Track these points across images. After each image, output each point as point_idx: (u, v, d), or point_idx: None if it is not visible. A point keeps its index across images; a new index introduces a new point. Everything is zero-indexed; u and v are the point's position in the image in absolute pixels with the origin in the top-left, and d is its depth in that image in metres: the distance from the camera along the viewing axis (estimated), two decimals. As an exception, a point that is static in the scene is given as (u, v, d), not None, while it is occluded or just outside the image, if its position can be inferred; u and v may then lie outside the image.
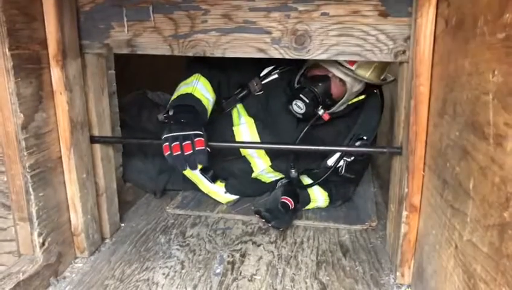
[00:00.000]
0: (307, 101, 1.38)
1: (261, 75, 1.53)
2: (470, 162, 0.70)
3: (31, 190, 1.04)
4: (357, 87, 1.41)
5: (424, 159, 1.02)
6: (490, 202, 0.61)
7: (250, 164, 1.59)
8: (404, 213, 1.07)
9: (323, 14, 1.07)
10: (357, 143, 1.44)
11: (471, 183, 0.69)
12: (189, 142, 1.14)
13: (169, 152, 1.14)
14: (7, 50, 0.95)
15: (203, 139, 1.15)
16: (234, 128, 1.55)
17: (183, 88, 1.33)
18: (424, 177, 1.02)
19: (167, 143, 1.14)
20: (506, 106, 0.57)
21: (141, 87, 1.81)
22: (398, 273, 1.11)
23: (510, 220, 0.55)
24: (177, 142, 1.14)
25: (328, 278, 1.15)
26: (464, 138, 0.73)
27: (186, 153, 1.13)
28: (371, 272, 1.18)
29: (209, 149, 1.17)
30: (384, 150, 1.20)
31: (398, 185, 1.16)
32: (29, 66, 1.01)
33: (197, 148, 1.13)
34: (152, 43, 1.16)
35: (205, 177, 1.59)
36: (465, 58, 0.74)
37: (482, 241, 0.64)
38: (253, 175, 1.59)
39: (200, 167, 1.16)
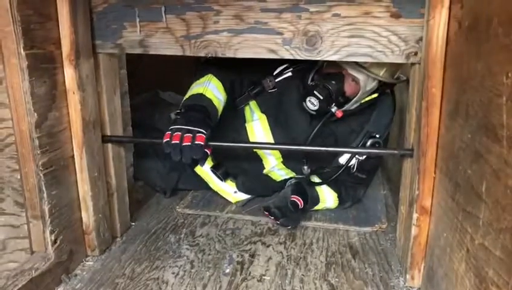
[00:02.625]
0: (321, 97, 1.38)
1: (275, 73, 1.53)
2: (483, 165, 0.69)
3: (43, 188, 1.05)
4: (371, 85, 1.41)
5: (436, 161, 1.01)
6: (503, 205, 0.61)
7: (261, 160, 1.59)
8: (415, 215, 1.06)
9: (335, 15, 1.07)
10: (370, 141, 1.44)
11: (484, 186, 0.69)
12: (190, 135, 1.16)
13: (168, 139, 1.16)
14: (22, 50, 0.96)
15: (204, 136, 1.17)
16: (247, 124, 1.55)
17: (195, 88, 1.35)
18: (435, 180, 1.01)
19: (169, 132, 1.16)
20: (520, 108, 0.56)
21: (152, 87, 1.83)
22: (408, 276, 1.11)
23: (523, 224, 0.55)
24: (179, 133, 1.16)
25: (337, 279, 1.15)
26: (477, 140, 0.73)
27: (184, 144, 1.14)
28: (381, 274, 1.18)
29: (208, 151, 1.18)
30: (396, 151, 1.20)
31: (408, 187, 1.15)
32: (43, 65, 1.03)
33: (195, 142, 1.15)
34: (164, 44, 1.16)
35: (216, 174, 1.60)
36: (478, 60, 0.74)
37: (494, 245, 0.64)
38: (265, 171, 1.60)
39: (205, 162, 1.18)
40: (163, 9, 1.13)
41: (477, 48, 0.75)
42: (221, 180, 1.61)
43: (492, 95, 0.66)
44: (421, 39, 1.04)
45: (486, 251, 0.66)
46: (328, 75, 1.41)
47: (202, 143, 1.15)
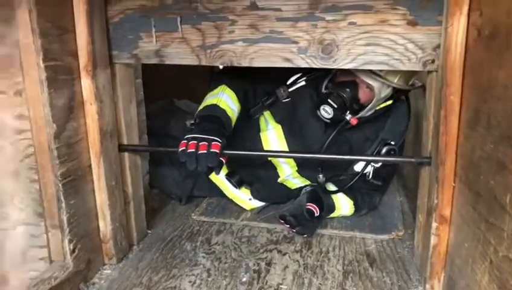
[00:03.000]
0: (335, 106, 1.38)
1: (288, 82, 1.53)
2: (507, 176, 0.68)
3: (62, 197, 1.06)
4: (385, 92, 1.40)
5: (455, 170, 1.00)
6: (529, 218, 0.60)
7: (276, 169, 1.59)
8: (434, 225, 1.05)
9: (351, 23, 1.06)
10: (385, 148, 1.43)
11: (508, 197, 0.68)
12: (206, 143, 1.17)
13: (183, 148, 1.16)
14: (41, 62, 0.98)
15: (219, 144, 1.17)
16: (261, 134, 1.56)
17: (209, 99, 1.35)
18: (455, 189, 1.00)
19: (185, 141, 1.17)
20: (547, 120, 0.56)
21: (168, 95, 1.84)
22: (427, 286, 1.09)
23: (551, 238, 0.54)
24: (195, 141, 1.17)
25: (355, 288, 1.14)
26: (500, 151, 0.72)
27: (199, 152, 1.15)
28: (399, 284, 1.16)
29: (223, 159, 1.19)
30: (413, 159, 1.18)
31: (426, 196, 1.14)
32: (62, 77, 1.04)
33: (211, 150, 1.15)
34: (180, 54, 1.17)
35: (230, 182, 1.60)
36: (499, 69, 0.73)
37: (520, 258, 0.63)
38: (279, 180, 1.59)
39: (221, 170, 1.19)
40: (178, 19, 1.14)
41: (499, 56, 0.74)
42: (236, 188, 1.61)
43: (516, 105, 0.65)
44: (438, 47, 1.03)
45: (511, 263, 0.65)
46: (342, 83, 1.40)
47: (218, 151, 1.16)
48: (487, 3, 0.82)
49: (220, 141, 1.18)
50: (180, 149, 1.17)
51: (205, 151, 1.15)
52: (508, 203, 0.68)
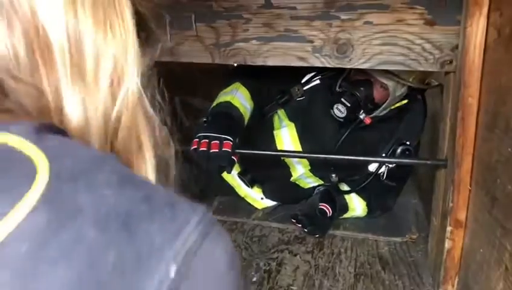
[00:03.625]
0: (348, 105, 1.36)
1: (303, 81, 1.52)
2: (525, 181, 0.67)
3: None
4: (400, 91, 1.38)
5: (471, 173, 0.98)
6: (547, 225, 0.58)
7: (289, 168, 1.58)
8: (449, 228, 1.03)
9: (367, 22, 1.05)
10: (400, 148, 1.41)
11: (526, 203, 0.66)
12: (217, 142, 1.17)
13: (196, 147, 1.17)
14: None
15: (231, 143, 1.17)
16: (275, 132, 1.55)
17: (222, 96, 1.35)
18: (471, 192, 0.98)
19: (197, 139, 1.18)
20: None
21: (181, 93, 1.84)
22: (440, 290, 1.08)
23: None
24: (206, 140, 1.17)
25: (366, 291, 1.13)
26: (518, 155, 0.70)
27: (211, 151, 1.15)
28: (412, 287, 1.15)
29: (235, 158, 1.19)
30: (428, 161, 1.17)
31: (442, 199, 1.12)
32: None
33: (223, 149, 1.16)
34: (194, 52, 1.17)
35: (243, 180, 1.60)
36: (520, 71, 0.71)
37: (537, 266, 0.61)
38: (292, 179, 1.59)
39: (232, 169, 1.21)
40: (193, 17, 1.14)
41: (519, 58, 0.72)
42: (248, 187, 1.60)
43: (536, 109, 0.63)
44: (456, 47, 1.01)
45: (528, 271, 0.64)
46: (356, 81, 1.39)
47: (229, 150, 1.16)
48: (508, 3, 0.79)
49: (232, 139, 1.18)
50: (192, 148, 1.17)
51: (217, 150, 1.15)
52: (525, 209, 0.66)
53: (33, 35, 0.30)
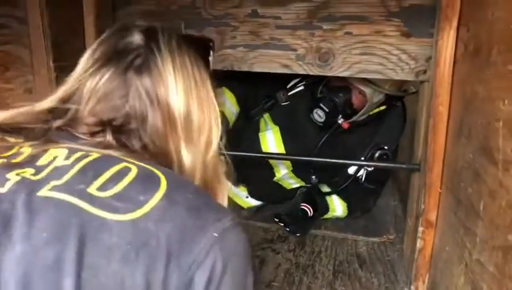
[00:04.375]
0: (327, 110, 1.43)
1: (288, 86, 1.58)
2: (481, 185, 0.73)
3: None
4: (378, 98, 1.45)
5: (442, 177, 1.04)
6: (497, 224, 0.64)
7: (272, 168, 1.64)
8: (421, 229, 1.09)
9: (347, 33, 1.11)
10: (378, 152, 1.47)
11: (482, 204, 0.72)
12: None
13: None
14: (51, 62, 1.03)
15: None
16: (260, 134, 1.61)
17: None
18: (441, 195, 1.04)
19: None
20: (514, 134, 0.60)
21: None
22: (412, 287, 1.14)
23: (514, 243, 0.58)
24: None
25: (343, 288, 1.19)
26: (477, 160, 0.76)
27: None
28: (386, 285, 1.21)
29: None
30: (403, 165, 1.23)
31: (415, 201, 1.18)
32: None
33: None
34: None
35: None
36: (480, 84, 0.77)
37: (489, 261, 0.67)
38: (275, 179, 1.65)
39: None
40: (182, 24, 1.19)
41: (480, 72, 0.78)
42: (234, 185, 1.65)
43: (491, 119, 0.70)
44: (430, 58, 1.07)
45: (481, 266, 0.70)
46: (336, 88, 1.45)
47: None
48: (474, 20, 0.86)
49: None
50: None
51: None
52: (481, 209, 0.72)
53: (166, 115, 0.55)
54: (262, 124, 1.64)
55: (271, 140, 1.58)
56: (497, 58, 0.69)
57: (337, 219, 1.59)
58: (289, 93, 1.56)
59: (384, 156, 1.45)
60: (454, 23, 0.96)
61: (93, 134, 0.53)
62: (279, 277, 1.23)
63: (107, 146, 0.51)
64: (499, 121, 0.66)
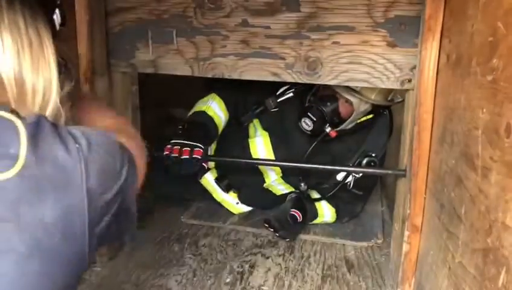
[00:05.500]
0: (314, 119, 1.46)
1: (278, 93, 1.61)
2: (462, 190, 0.76)
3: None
4: (364, 107, 1.48)
5: (426, 183, 1.07)
6: (477, 227, 0.67)
7: (262, 174, 1.67)
8: (406, 233, 1.12)
9: (335, 42, 1.14)
10: (365, 160, 1.50)
11: (463, 209, 0.75)
12: (188, 149, 1.26)
13: (167, 152, 1.26)
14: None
15: (201, 151, 1.27)
16: (250, 140, 1.64)
17: (198, 106, 1.45)
18: (426, 200, 1.07)
19: (169, 146, 1.27)
20: (491, 141, 0.63)
21: (163, 104, 1.91)
22: (399, 291, 1.17)
23: (492, 246, 0.61)
24: (178, 147, 1.27)
25: (332, 292, 1.21)
26: (459, 166, 0.79)
27: (182, 157, 1.25)
28: (374, 288, 1.23)
29: (205, 165, 1.27)
30: (390, 171, 1.26)
31: (402, 206, 1.21)
32: (62, 83, 1.11)
33: (193, 156, 1.25)
34: (174, 64, 1.24)
35: (219, 186, 1.66)
36: (461, 93, 0.81)
37: (469, 264, 0.70)
38: (265, 185, 1.67)
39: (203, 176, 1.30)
40: (174, 32, 1.21)
41: (461, 81, 0.81)
42: (225, 192, 1.67)
43: (471, 127, 0.73)
44: (414, 67, 1.11)
45: (463, 268, 0.73)
46: (323, 97, 1.49)
47: (199, 157, 1.24)
48: (455, 31, 0.89)
49: (203, 147, 1.26)
50: (164, 153, 1.26)
51: (187, 157, 1.23)
52: (463, 214, 0.75)
53: None
54: (251, 130, 1.66)
55: (260, 146, 1.61)
56: (476, 69, 0.72)
57: (326, 224, 1.62)
58: (278, 100, 1.59)
59: (372, 163, 1.48)
60: (437, 34, 0.99)
61: None
62: (269, 281, 1.25)
63: None
64: (478, 129, 0.69)
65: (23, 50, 0.54)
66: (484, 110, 0.67)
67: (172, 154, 1.25)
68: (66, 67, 0.63)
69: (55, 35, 0.60)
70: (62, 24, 0.63)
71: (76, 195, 0.51)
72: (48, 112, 0.57)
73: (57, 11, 0.62)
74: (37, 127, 0.51)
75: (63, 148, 0.51)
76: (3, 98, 0.53)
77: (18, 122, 0.49)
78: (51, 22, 0.60)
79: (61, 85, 0.60)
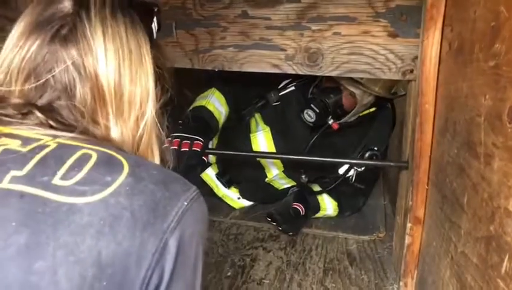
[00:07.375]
0: (317, 110, 1.45)
1: (279, 87, 1.60)
2: (465, 179, 0.75)
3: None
4: (367, 99, 1.47)
5: (428, 174, 1.06)
6: (479, 216, 0.66)
7: (264, 169, 1.66)
8: (409, 225, 1.11)
9: (335, 33, 1.13)
10: (368, 153, 1.49)
11: (465, 198, 0.74)
12: (188, 142, 1.26)
13: (167, 145, 1.24)
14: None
15: (201, 144, 1.26)
16: (251, 135, 1.63)
17: (198, 101, 1.44)
18: (428, 191, 1.06)
19: (169, 139, 1.25)
20: (494, 128, 0.62)
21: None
22: (401, 283, 1.15)
23: (495, 233, 0.60)
24: (178, 140, 1.27)
25: (333, 285, 1.20)
26: (461, 156, 0.78)
27: (182, 150, 1.24)
28: (376, 281, 1.22)
29: (205, 158, 1.27)
30: (392, 163, 1.25)
31: (404, 198, 1.20)
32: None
33: (193, 149, 1.25)
34: (174, 57, 1.23)
35: (221, 181, 1.66)
36: (463, 81, 0.80)
37: (472, 253, 0.69)
38: (267, 180, 1.66)
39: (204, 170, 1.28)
40: (174, 24, 1.21)
41: (463, 69, 0.80)
42: (226, 187, 1.67)
43: (474, 114, 0.72)
44: (416, 57, 1.09)
45: (466, 258, 0.72)
46: (326, 89, 1.48)
47: (199, 150, 1.24)
48: (457, 19, 0.88)
49: (202, 140, 1.26)
50: (163, 146, 1.25)
51: (187, 149, 1.23)
52: (465, 203, 0.74)
53: (95, 88, 0.53)
54: (253, 125, 1.65)
55: (262, 141, 1.60)
56: (478, 55, 0.71)
57: (328, 217, 1.61)
58: (280, 94, 1.58)
59: (374, 157, 1.46)
60: (439, 24, 0.98)
61: (23, 115, 0.51)
62: (271, 275, 1.24)
63: (38, 125, 0.51)
64: (480, 116, 0.68)
65: (124, 61, 0.54)
66: (487, 96, 0.65)
67: (171, 147, 1.25)
68: (162, 76, 0.62)
69: (153, 44, 0.59)
70: (157, 31, 0.63)
71: (150, 243, 0.45)
72: (143, 124, 0.57)
73: (154, 19, 0.62)
74: (140, 160, 0.52)
75: (170, 195, 0.49)
76: (103, 110, 0.53)
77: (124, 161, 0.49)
78: (149, 30, 0.60)
79: (158, 96, 0.60)
